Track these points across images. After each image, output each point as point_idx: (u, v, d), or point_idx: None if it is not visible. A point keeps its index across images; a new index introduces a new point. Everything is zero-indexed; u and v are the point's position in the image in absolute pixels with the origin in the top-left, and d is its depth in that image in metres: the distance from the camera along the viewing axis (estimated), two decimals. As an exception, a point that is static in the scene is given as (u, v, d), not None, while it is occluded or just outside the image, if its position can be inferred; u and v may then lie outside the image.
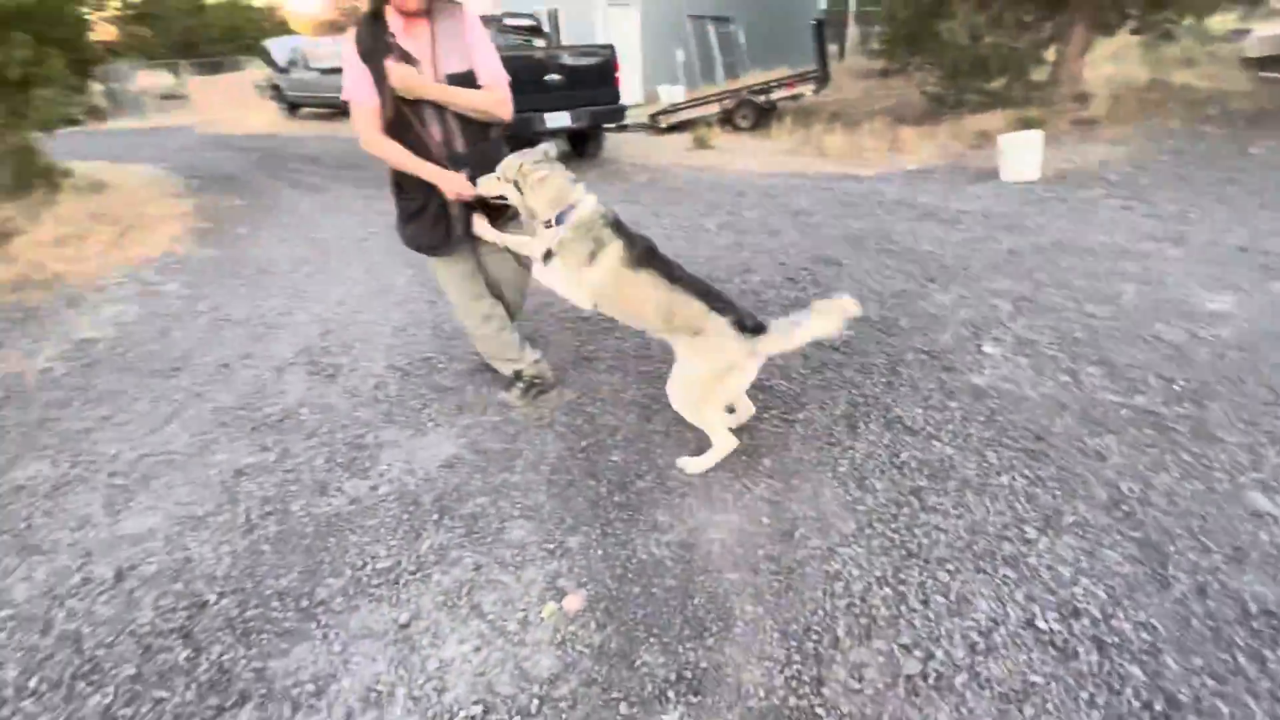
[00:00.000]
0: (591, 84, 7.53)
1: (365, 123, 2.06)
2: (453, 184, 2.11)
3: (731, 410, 2.21)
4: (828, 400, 2.43)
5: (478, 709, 1.37)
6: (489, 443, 2.33)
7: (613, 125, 8.30)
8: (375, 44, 1.99)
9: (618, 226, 2.02)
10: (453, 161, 2.13)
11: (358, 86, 2.02)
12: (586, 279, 2.01)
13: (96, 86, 22.23)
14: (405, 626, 1.59)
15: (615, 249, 1.98)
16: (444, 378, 2.84)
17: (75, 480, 2.28)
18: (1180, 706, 1.27)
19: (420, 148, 2.10)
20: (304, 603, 1.68)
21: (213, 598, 1.71)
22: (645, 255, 2.01)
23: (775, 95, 10.13)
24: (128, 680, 1.49)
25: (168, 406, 2.76)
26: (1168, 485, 1.86)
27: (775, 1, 17.41)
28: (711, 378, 1.95)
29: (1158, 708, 1.27)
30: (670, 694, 1.38)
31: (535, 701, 1.38)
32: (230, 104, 20.19)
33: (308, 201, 6.86)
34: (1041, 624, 1.46)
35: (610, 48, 7.73)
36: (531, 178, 2.00)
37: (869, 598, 1.56)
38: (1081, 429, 2.14)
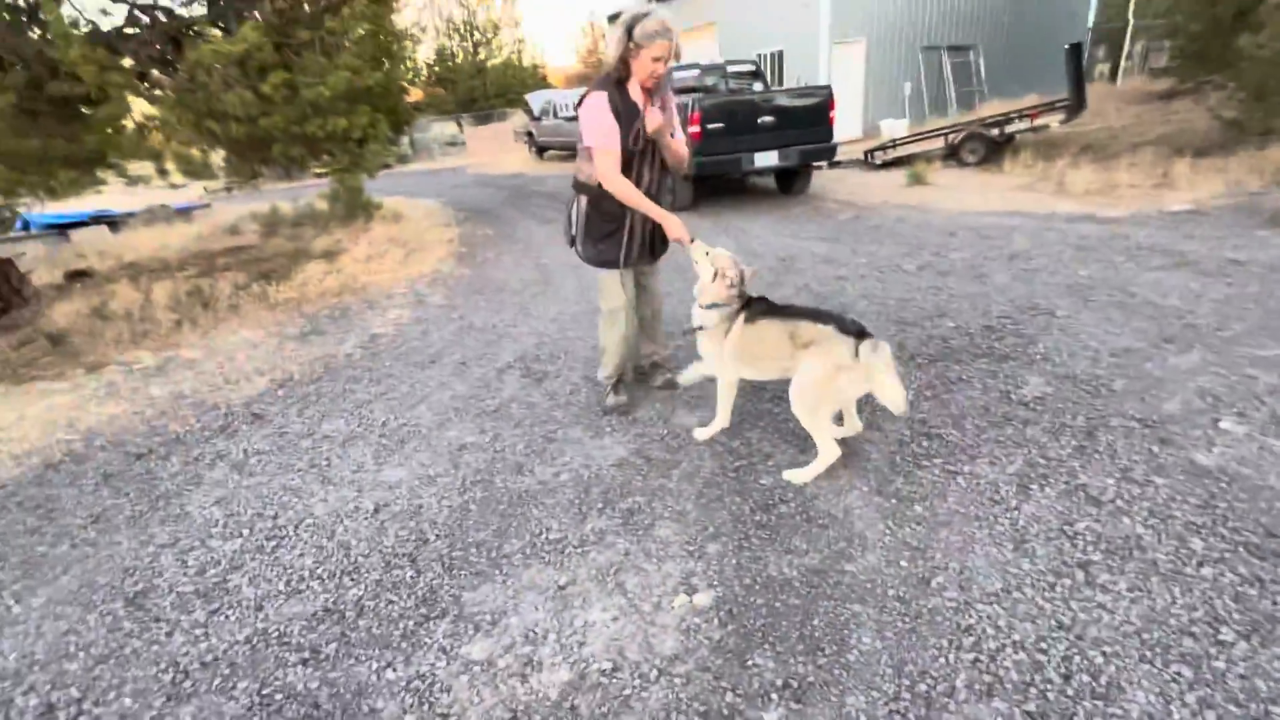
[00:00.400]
0: (804, 124, 7.67)
1: (612, 165, 2.50)
2: (676, 228, 2.56)
3: (840, 423, 2.46)
4: (1001, 456, 2.28)
5: (608, 665, 1.62)
6: (654, 451, 2.62)
7: (821, 164, 8.32)
8: (626, 107, 2.45)
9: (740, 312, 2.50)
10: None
11: (610, 135, 2.46)
12: (728, 347, 2.49)
13: (403, 138, 28.00)
14: (563, 588, 1.91)
15: (739, 319, 2.48)
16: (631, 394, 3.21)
17: (357, 436, 3.07)
18: None
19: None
20: (493, 554, 2.10)
21: (432, 538, 2.23)
22: (760, 310, 2.46)
23: (1012, 127, 9.25)
24: (373, 583, 2.03)
25: (421, 390, 3.54)
26: None
27: (1029, 24, 15.81)
28: (825, 378, 2.20)
29: None
30: (774, 696, 1.49)
31: (655, 672, 1.59)
32: (495, 148, 24.13)
33: (541, 232, 8.01)
34: (1212, 733, 1.28)
35: (827, 88, 7.80)
36: (728, 275, 2.44)
37: (1000, 658, 1.50)
38: (1340, 533, 1.74)
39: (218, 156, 7.59)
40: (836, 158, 11.17)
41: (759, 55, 14.76)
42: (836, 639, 1.62)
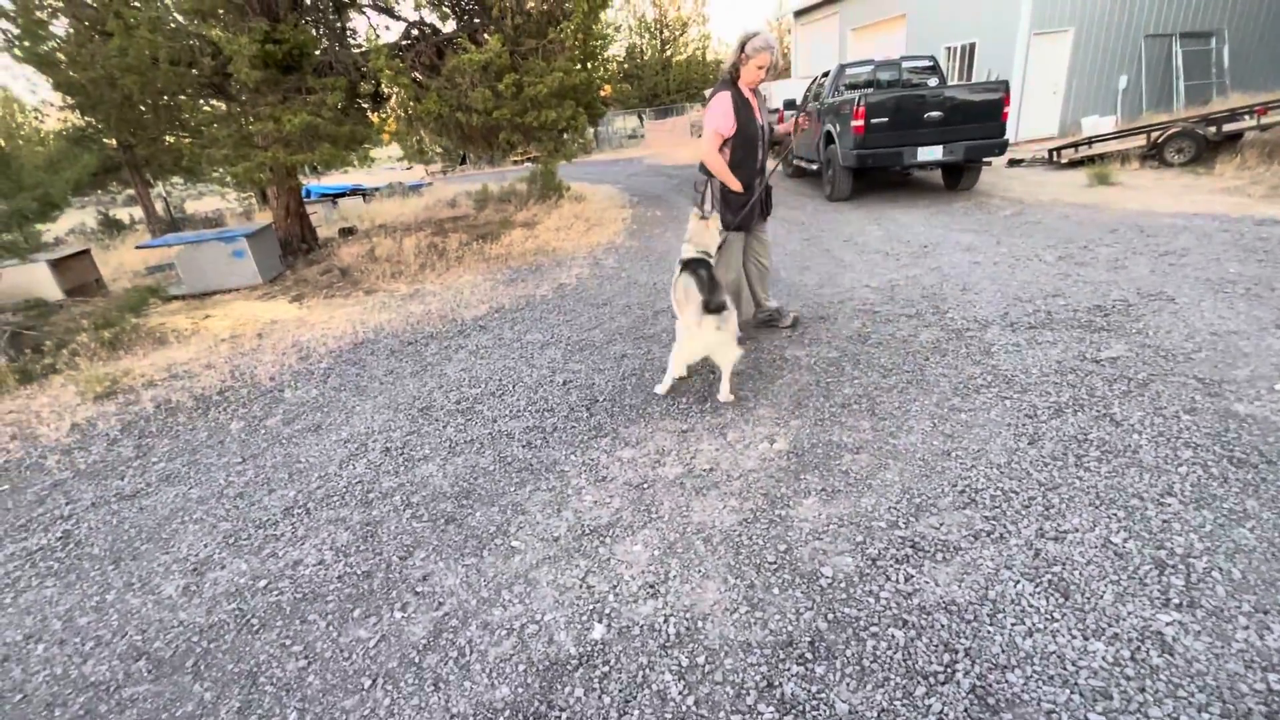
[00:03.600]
0: (974, 119, 7.72)
1: (714, 142, 3.33)
2: (737, 187, 3.40)
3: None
4: (1051, 391, 2.75)
5: (707, 468, 2.49)
6: (765, 368, 3.40)
7: (989, 160, 8.25)
8: (741, 102, 3.27)
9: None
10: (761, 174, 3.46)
11: (724, 123, 3.28)
12: None
13: (590, 130, 30.42)
14: (685, 431, 2.81)
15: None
16: (752, 332, 4.00)
17: (550, 344, 4.21)
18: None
19: (753, 165, 3.39)
20: (640, 411, 3.05)
21: (600, 399, 3.24)
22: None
23: (1234, 125, 8.32)
24: (563, 417, 3.08)
25: (595, 321, 4.62)
26: (1394, 519, 1.80)
27: (1299, 5, 13.45)
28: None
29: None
30: (812, 493, 2.25)
31: (738, 473, 2.43)
32: (671, 141, 25.50)
33: (704, 215, 8.91)
34: (1115, 541, 1.83)
35: (1004, 84, 7.75)
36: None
37: (981, 494, 2.12)
38: (1330, 461, 2.06)
39: (436, 146, 9.42)
40: (1019, 156, 10.77)
41: (949, 49, 14.29)
42: (866, 474, 2.33)
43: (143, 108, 7.06)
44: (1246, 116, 8.36)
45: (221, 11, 6.36)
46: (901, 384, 3.02)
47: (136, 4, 6.20)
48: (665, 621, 1.77)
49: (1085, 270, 4.45)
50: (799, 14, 20.30)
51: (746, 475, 2.41)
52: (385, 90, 7.11)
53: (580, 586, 1.94)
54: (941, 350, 3.35)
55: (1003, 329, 3.53)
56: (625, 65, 34.38)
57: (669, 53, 34.26)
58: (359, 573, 2.14)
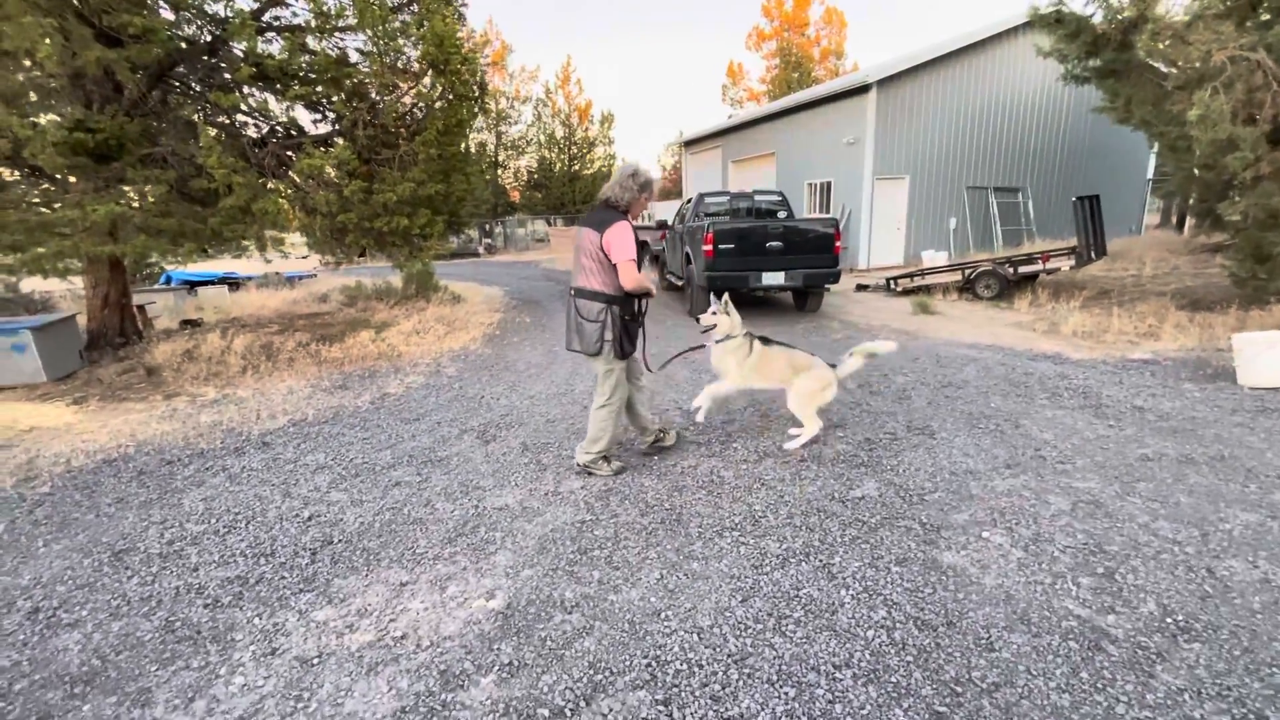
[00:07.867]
0: (811, 250, 8.45)
1: (635, 269, 3.22)
2: (647, 286, 3.34)
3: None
4: (789, 536, 2.72)
5: (400, 634, 2.19)
6: (532, 503, 3.21)
7: (828, 286, 9.00)
8: (636, 231, 3.31)
9: (752, 337, 3.85)
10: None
11: (634, 252, 3.22)
12: (749, 362, 3.79)
13: (498, 230, 30.91)
14: (403, 585, 2.51)
15: (757, 344, 3.84)
16: (546, 458, 3.84)
17: (325, 467, 3.83)
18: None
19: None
20: (370, 558, 2.73)
21: (336, 540, 2.89)
22: (768, 341, 3.87)
23: (1026, 268, 9.61)
24: (279, 564, 2.70)
25: (393, 440, 4.31)
26: (1036, 690, 1.79)
27: (1085, 171, 16.32)
28: (818, 390, 3.78)
29: None
30: (496, 669, 2.00)
31: (429, 642, 2.14)
32: (573, 246, 26.37)
33: (566, 324, 8.98)
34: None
35: (834, 221, 8.61)
36: (733, 310, 3.86)
37: (668, 667, 1.96)
38: (1000, 621, 2.09)
39: (324, 235, 9.20)
40: (866, 282, 11.85)
41: (810, 184, 15.97)
42: (565, 641, 2.12)
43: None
44: (1037, 261, 9.71)
45: (34, 96, 6.00)
46: (655, 524, 2.91)
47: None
48: None
49: (875, 400, 4.71)
50: (688, 144, 22.28)
51: (439, 644, 2.14)
52: (222, 188, 6.81)
53: (148, 819, 1.55)
54: (709, 485, 3.31)
55: (775, 463, 3.57)
56: (535, 175, 36.03)
57: (577, 167, 36.32)
58: None
